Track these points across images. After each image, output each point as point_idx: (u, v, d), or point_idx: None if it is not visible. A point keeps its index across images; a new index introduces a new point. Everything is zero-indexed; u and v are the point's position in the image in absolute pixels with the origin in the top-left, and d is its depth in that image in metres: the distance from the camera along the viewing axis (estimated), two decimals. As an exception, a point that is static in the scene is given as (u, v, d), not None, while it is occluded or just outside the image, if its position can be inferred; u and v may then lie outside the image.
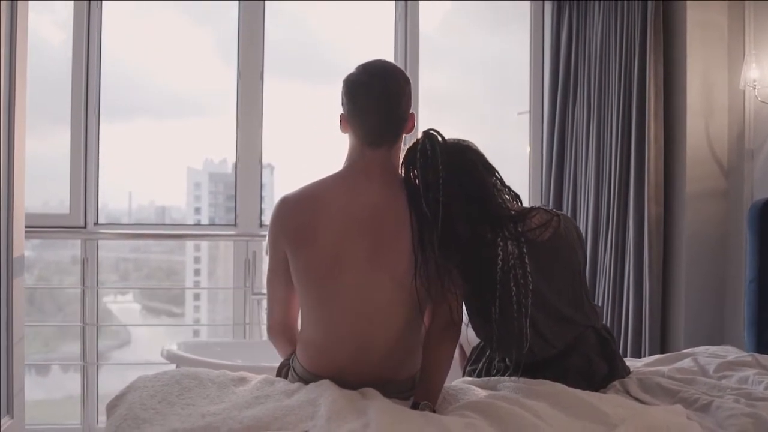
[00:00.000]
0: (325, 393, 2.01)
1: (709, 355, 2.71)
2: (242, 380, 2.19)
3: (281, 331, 2.36)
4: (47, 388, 5.15)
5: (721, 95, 3.83)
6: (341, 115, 2.25)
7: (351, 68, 2.23)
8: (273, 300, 2.33)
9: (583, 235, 4.09)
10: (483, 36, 5.19)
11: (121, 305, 6.34)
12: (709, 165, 3.84)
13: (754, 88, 3.56)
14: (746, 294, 3.26)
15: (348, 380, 2.11)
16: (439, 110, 4.76)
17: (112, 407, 2.04)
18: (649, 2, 3.87)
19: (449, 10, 4.99)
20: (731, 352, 2.74)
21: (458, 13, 5.09)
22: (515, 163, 4.81)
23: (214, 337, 5.11)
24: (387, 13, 4.78)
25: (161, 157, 5.18)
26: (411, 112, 2.26)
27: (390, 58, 4.58)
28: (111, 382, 4.66)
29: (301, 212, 2.17)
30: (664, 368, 2.55)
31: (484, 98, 5.21)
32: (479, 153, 2.38)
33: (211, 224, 5.82)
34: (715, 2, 3.84)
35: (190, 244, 6.25)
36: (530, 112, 4.73)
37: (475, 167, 2.34)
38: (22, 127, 3.30)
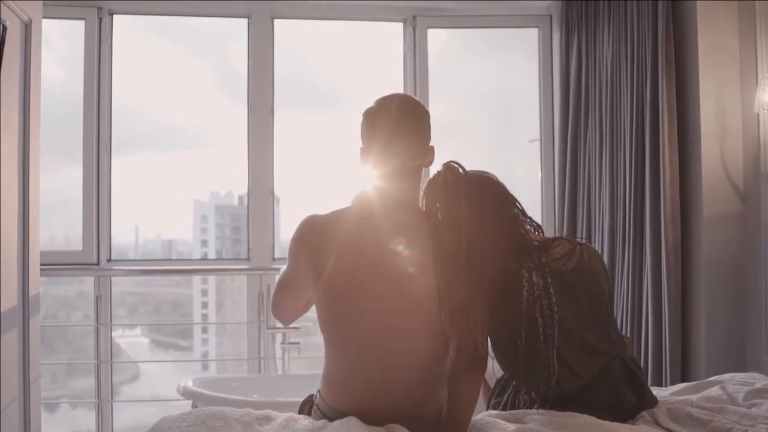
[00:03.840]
0: (352, 430, 1.98)
1: (736, 382, 2.66)
2: (267, 419, 2.17)
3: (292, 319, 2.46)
4: (58, 425, 5.11)
5: (735, 118, 3.82)
6: (361, 148, 2.26)
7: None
8: (283, 305, 2.37)
9: (602, 262, 4.09)
10: (482, 63, 5.19)
11: (129, 339, 6.32)
12: (725, 188, 3.81)
13: (769, 111, 3.55)
14: (769, 318, 3.22)
15: (373, 416, 2.09)
16: (443, 138, 4.75)
17: (137, 449, 2.02)
18: (660, 26, 3.86)
19: (446, 39, 5.01)
20: (759, 380, 2.70)
21: (456, 41, 5.10)
22: (527, 190, 4.79)
23: (224, 371, 5.08)
24: (388, 42, 4.81)
25: (166, 191, 5.19)
26: (431, 144, 2.26)
27: (397, 86, 4.62)
28: (124, 418, 4.63)
29: (325, 241, 2.16)
30: (692, 397, 2.51)
31: (490, 126, 5.20)
32: (500, 184, 2.38)
33: (222, 258, 5.81)
34: (725, 25, 3.83)
35: (197, 277, 6.24)
36: (541, 138, 4.72)
37: (497, 198, 2.33)
38: (37, 167, 3.32)
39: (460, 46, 5.16)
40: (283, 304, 2.35)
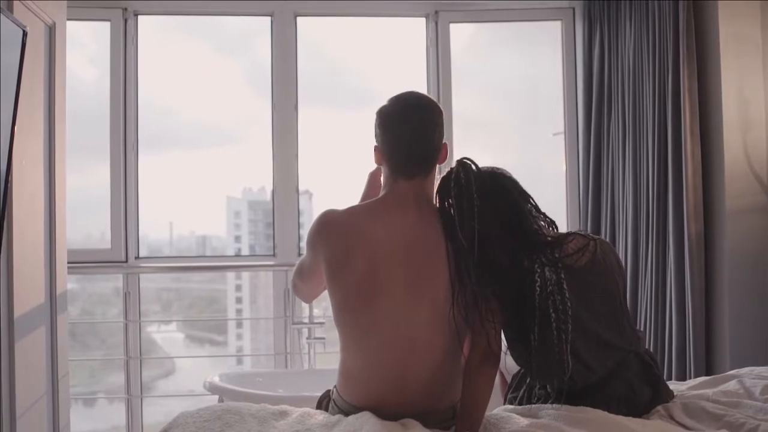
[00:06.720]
0: (366, 425, 2.01)
1: (754, 376, 2.63)
2: (283, 413, 2.20)
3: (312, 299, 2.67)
4: (95, 420, 5.20)
5: (758, 109, 3.77)
6: (375, 147, 2.28)
7: (378, 93, 2.25)
8: (302, 289, 2.48)
9: (623, 255, 4.06)
10: (508, 57, 5.18)
11: (165, 335, 6.41)
12: (748, 180, 3.76)
13: (792, 101, 3.51)
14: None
15: (388, 411, 2.12)
16: (469, 132, 4.76)
17: (155, 443, 2.07)
18: (681, 16, 3.83)
19: (473, 32, 5.00)
20: (777, 373, 2.68)
21: (482, 34, 5.09)
22: (551, 183, 4.78)
23: (257, 366, 5.14)
24: (411, 38, 4.82)
25: (199, 187, 5.24)
26: (444, 142, 2.28)
27: (420, 81, 4.63)
28: (156, 413, 4.70)
29: (341, 238, 2.18)
30: (709, 391, 2.49)
31: (516, 119, 5.19)
32: (513, 180, 2.37)
33: (251, 254, 5.85)
34: (747, 13, 3.78)
35: (230, 272, 6.30)
36: (565, 132, 4.70)
37: (510, 194, 2.33)
38: (63, 165, 3.38)
39: (485, 39, 5.15)
40: (302, 287, 2.45)
